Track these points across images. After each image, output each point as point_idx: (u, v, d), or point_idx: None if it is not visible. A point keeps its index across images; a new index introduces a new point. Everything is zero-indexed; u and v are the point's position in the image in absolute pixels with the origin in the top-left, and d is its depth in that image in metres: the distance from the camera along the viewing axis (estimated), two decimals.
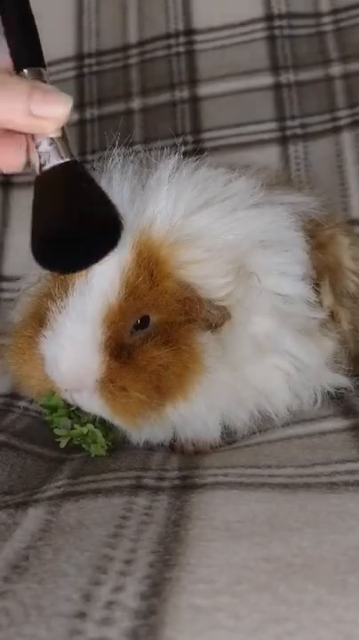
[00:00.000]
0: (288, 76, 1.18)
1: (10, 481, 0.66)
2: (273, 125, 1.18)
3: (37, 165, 0.57)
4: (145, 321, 0.66)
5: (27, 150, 0.57)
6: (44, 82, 0.57)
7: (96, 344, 0.64)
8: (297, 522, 0.50)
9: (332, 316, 0.77)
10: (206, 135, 1.18)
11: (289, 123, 1.17)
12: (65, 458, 0.73)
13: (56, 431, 0.71)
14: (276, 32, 1.20)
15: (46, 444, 0.75)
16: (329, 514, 0.51)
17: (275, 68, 1.19)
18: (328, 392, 0.76)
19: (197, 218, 0.67)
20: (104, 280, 0.65)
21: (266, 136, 1.17)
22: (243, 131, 1.17)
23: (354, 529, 0.48)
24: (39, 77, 0.57)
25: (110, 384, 0.64)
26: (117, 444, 0.73)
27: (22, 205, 1.21)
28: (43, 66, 0.58)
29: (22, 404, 0.88)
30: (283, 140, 1.17)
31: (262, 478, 0.59)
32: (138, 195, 0.69)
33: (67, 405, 0.69)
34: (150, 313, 0.65)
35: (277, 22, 1.20)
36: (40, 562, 0.47)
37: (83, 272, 0.64)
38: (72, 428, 0.70)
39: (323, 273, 0.76)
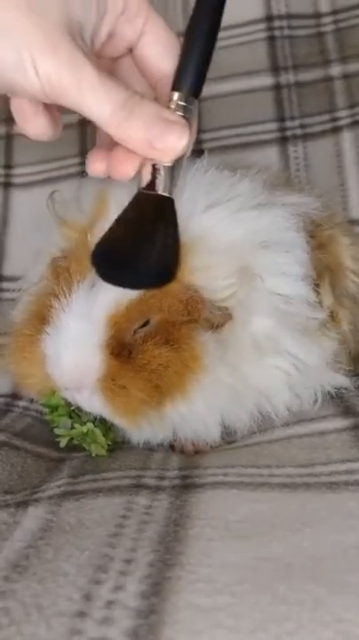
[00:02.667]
0: (288, 77, 1.18)
1: (10, 480, 0.66)
2: (273, 126, 1.17)
3: (143, 183, 0.61)
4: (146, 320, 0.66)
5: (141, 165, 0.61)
6: (189, 111, 0.61)
7: (97, 343, 0.64)
8: (297, 522, 0.50)
9: (332, 316, 0.77)
10: (206, 135, 1.18)
11: (289, 123, 1.17)
12: (65, 457, 0.73)
13: (56, 430, 0.71)
14: (276, 32, 1.19)
15: (47, 444, 0.75)
16: (329, 513, 0.51)
17: (275, 69, 1.18)
18: (328, 392, 0.76)
19: (204, 219, 0.67)
20: None
21: (266, 136, 1.17)
22: (243, 131, 1.17)
23: (354, 528, 0.48)
24: (187, 104, 0.60)
25: (111, 383, 0.64)
26: (117, 443, 0.73)
27: (23, 205, 1.21)
28: (196, 96, 0.61)
29: (22, 403, 0.88)
30: (283, 141, 1.17)
31: (262, 478, 0.59)
32: None
33: (68, 404, 0.69)
34: (152, 314, 0.66)
35: (277, 23, 1.20)
36: (40, 561, 0.47)
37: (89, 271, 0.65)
38: (72, 428, 0.70)
39: (323, 273, 0.76)
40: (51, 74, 0.54)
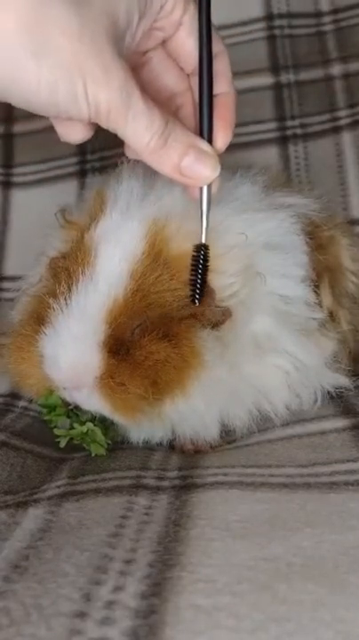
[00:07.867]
0: (288, 76, 1.18)
1: (10, 480, 0.66)
2: (273, 125, 1.17)
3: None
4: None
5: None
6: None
7: (95, 342, 0.64)
8: (297, 522, 0.50)
9: (332, 316, 0.77)
10: None
11: (289, 123, 1.17)
12: (65, 457, 0.73)
13: (55, 431, 0.71)
14: (276, 32, 1.19)
15: (46, 444, 0.75)
16: (329, 513, 0.51)
17: (275, 68, 1.19)
18: (328, 392, 0.76)
19: (211, 214, 0.67)
20: (110, 276, 0.65)
21: (266, 136, 1.17)
22: (243, 131, 1.17)
23: (354, 528, 0.48)
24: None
25: (109, 380, 0.63)
26: (117, 443, 0.73)
27: (22, 205, 1.21)
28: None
29: (22, 403, 0.88)
30: (283, 140, 1.17)
31: (262, 478, 0.59)
32: (149, 190, 0.69)
33: (66, 404, 0.69)
34: (151, 311, 0.65)
35: (277, 22, 1.20)
36: (40, 561, 0.47)
37: (87, 270, 0.65)
38: (71, 428, 0.70)
39: (323, 274, 0.76)
40: (102, 102, 0.54)
